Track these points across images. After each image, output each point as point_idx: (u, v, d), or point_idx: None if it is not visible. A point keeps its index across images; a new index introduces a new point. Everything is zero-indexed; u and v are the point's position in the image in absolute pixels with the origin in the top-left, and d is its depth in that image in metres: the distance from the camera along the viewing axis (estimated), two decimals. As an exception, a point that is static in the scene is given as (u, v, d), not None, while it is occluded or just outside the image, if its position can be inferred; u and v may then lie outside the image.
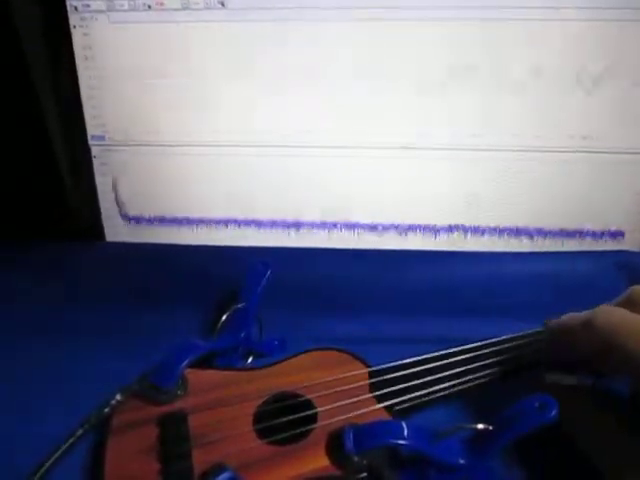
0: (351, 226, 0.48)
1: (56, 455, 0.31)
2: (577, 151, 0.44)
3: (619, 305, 0.32)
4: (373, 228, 0.48)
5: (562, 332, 0.33)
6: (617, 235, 0.47)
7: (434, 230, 0.48)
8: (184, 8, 0.42)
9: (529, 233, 0.47)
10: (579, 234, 0.47)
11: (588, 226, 0.47)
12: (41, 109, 0.46)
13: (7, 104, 0.45)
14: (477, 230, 0.47)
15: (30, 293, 0.45)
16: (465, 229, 0.47)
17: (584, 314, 0.31)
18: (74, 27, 0.44)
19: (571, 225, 0.47)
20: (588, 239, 0.47)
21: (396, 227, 0.48)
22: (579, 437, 0.31)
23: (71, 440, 0.32)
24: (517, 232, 0.47)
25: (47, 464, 0.31)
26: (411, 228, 0.48)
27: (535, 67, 0.42)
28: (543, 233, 0.47)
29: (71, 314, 0.43)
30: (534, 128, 0.44)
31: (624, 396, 0.31)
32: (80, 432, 0.32)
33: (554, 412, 0.28)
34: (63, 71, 0.45)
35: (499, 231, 0.47)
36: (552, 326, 0.34)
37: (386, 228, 0.48)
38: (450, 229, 0.47)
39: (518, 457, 0.30)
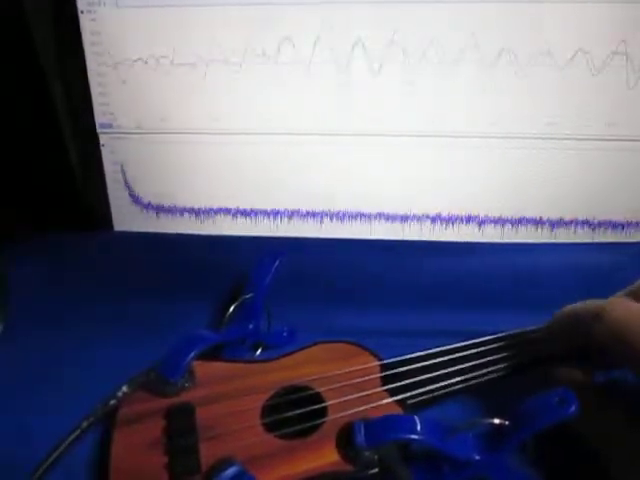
0: (363, 216, 0.47)
1: (62, 448, 0.31)
2: (600, 139, 0.43)
3: (630, 294, 0.32)
4: (386, 218, 0.47)
5: (571, 322, 0.32)
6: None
7: (453, 220, 0.46)
8: (193, -9, 0.42)
9: (551, 223, 0.46)
10: (603, 225, 0.46)
11: (612, 216, 0.45)
12: (49, 97, 0.45)
13: (14, 92, 0.45)
14: (497, 221, 0.46)
15: (33, 283, 0.45)
16: (484, 219, 0.46)
17: (595, 305, 0.31)
18: (82, 12, 0.43)
19: (595, 215, 0.45)
20: (612, 230, 0.46)
21: (412, 217, 0.47)
22: (585, 432, 0.30)
23: (77, 432, 0.32)
24: (539, 222, 0.46)
25: (52, 457, 0.30)
26: (429, 219, 0.47)
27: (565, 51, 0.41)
28: (565, 223, 0.46)
29: (75, 304, 0.43)
30: (558, 115, 0.43)
31: (630, 390, 0.31)
32: (86, 424, 0.32)
33: (574, 407, 0.27)
34: (71, 58, 0.44)
35: (519, 221, 0.46)
36: (560, 316, 0.33)
37: (401, 218, 0.47)
38: (468, 219, 0.46)
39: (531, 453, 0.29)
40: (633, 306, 0.30)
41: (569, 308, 0.33)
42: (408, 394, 0.33)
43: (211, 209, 0.48)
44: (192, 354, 0.34)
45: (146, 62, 0.44)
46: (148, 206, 0.49)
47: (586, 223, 0.46)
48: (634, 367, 0.29)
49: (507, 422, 0.28)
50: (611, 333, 0.29)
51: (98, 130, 0.47)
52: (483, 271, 0.44)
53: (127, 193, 0.49)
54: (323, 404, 0.32)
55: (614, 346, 0.29)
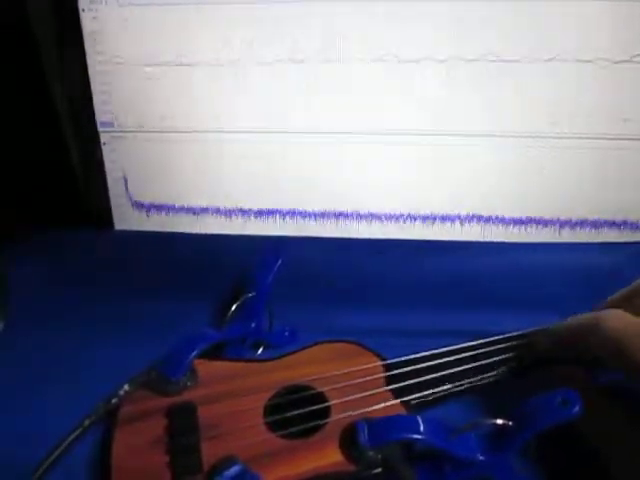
0: (365, 216, 0.47)
1: (63, 446, 0.31)
2: (601, 139, 0.43)
3: (624, 297, 0.33)
4: (387, 218, 0.47)
5: (568, 335, 0.33)
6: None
7: (454, 220, 0.46)
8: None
9: (553, 223, 0.46)
10: (605, 224, 0.46)
11: (614, 216, 0.45)
12: (49, 96, 0.45)
13: (14, 91, 0.45)
14: (498, 220, 0.46)
15: (33, 282, 0.45)
16: (487, 219, 0.46)
17: (590, 317, 0.31)
18: (83, 10, 0.43)
19: (599, 216, 0.45)
20: (613, 230, 0.46)
21: (412, 217, 0.47)
22: (585, 430, 0.30)
23: (78, 431, 0.31)
24: (540, 222, 0.46)
25: (54, 455, 0.30)
26: (431, 218, 0.47)
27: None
28: (566, 223, 0.46)
29: (76, 303, 0.43)
30: (560, 114, 0.43)
31: (630, 388, 0.31)
32: (87, 423, 0.32)
33: (577, 408, 0.27)
34: (72, 56, 0.44)
35: (520, 221, 0.46)
36: (557, 328, 0.34)
37: (403, 218, 0.47)
38: (472, 219, 0.46)
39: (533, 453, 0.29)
40: (627, 317, 0.30)
41: (566, 324, 0.33)
42: (411, 394, 0.33)
43: (212, 208, 0.48)
44: (194, 353, 0.34)
45: (147, 61, 0.44)
46: (149, 205, 0.49)
47: (588, 223, 0.46)
48: (631, 377, 0.29)
49: (510, 422, 0.28)
50: (607, 345, 0.29)
51: (99, 129, 0.47)
52: (484, 271, 0.44)
53: (128, 192, 0.48)
54: (326, 404, 0.32)
55: (611, 357, 0.29)
